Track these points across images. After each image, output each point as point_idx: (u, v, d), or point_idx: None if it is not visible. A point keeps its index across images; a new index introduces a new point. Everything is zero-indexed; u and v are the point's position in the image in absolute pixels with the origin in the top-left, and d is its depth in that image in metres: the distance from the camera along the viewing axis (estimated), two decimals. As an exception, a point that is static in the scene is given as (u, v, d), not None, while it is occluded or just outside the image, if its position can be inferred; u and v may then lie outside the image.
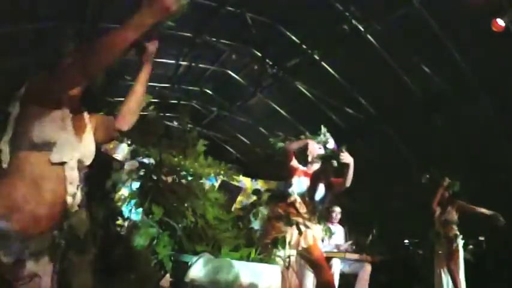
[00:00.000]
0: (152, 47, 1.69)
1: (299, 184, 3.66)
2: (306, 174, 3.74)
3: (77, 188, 1.57)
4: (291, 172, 3.74)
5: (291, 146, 3.83)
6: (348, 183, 3.58)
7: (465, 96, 5.72)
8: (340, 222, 6.24)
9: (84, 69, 1.41)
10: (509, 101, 5.33)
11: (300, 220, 3.38)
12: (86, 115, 1.71)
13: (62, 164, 1.52)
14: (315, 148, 3.75)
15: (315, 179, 3.69)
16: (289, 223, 3.21)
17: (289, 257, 3.13)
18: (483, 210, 5.26)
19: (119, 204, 2.81)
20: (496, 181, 5.84)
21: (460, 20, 4.87)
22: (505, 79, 5.11)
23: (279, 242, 3.01)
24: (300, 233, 3.27)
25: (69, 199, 1.54)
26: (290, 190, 3.58)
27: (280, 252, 3.06)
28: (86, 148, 1.63)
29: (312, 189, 3.63)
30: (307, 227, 3.42)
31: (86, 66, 1.41)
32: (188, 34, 6.50)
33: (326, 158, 3.62)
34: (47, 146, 1.49)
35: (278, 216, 3.28)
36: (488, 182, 5.88)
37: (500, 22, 4.39)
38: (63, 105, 1.57)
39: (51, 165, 1.49)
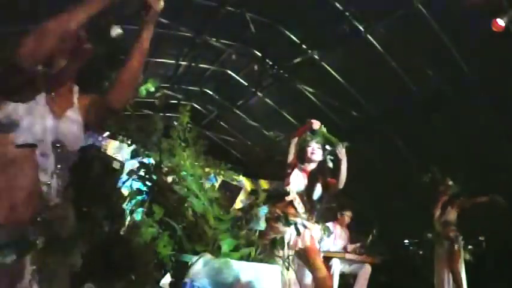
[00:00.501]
0: (157, 5, 1.46)
1: (297, 181, 3.64)
2: (303, 171, 3.75)
3: (52, 176, 1.38)
4: (291, 166, 3.73)
5: (294, 134, 3.84)
6: (341, 184, 3.59)
7: (465, 96, 5.72)
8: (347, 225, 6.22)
9: (20, 59, 1.25)
10: (509, 101, 5.33)
11: (299, 220, 3.38)
12: (75, 93, 1.53)
13: (32, 147, 1.34)
14: (318, 124, 3.76)
15: (312, 177, 3.68)
16: (288, 224, 3.20)
17: (288, 257, 3.12)
18: (481, 198, 5.28)
19: (119, 204, 2.82)
20: (496, 181, 5.84)
21: (460, 20, 4.87)
22: (505, 79, 5.11)
23: (278, 242, 3.01)
24: (298, 233, 3.26)
25: (44, 188, 1.36)
26: (288, 188, 3.56)
27: (280, 253, 3.05)
28: (67, 129, 1.43)
29: (310, 187, 3.62)
30: (305, 227, 3.41)
31: (21, 56, 1.24)
32: (188, 34, 6.50)
33: (324, 138, 3.63)
34: (14, 126, 1.31)
35: (276, 216, 3.27)
36: (488, 182, 5.87)
37: (500, 22, 4.39)
38: (35, 82, 1.38)
39: (19, 149, 1.31)
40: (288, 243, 3.24)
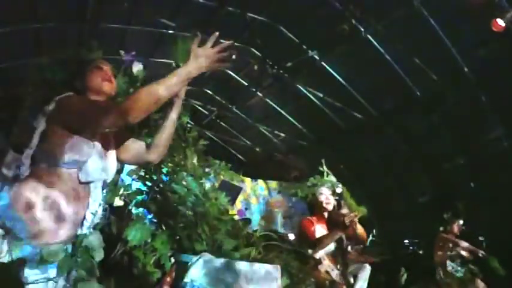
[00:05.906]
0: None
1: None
2: (320, 223, 3.40)
3: (99, 206, 1.63)
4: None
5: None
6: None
7: (465, 96, 5.72)
8: None
9: (125, 116, 1.49)
10: (509, 100, 5.33)
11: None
12: (112, 139, 1.76)
13: (90, 182, 1.59)
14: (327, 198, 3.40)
15: (333, 231, 3.23)
16: None
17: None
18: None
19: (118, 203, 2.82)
20: (496, 181, 5.84)
21: (460, 20, 4.87)
22: (505, 79, 5.11)
23: None
24: None
25: (88, 216, 1.59)
26: (318, 254, 3.14)
27: None
28: (110, 166, 1.70)
29: (340, 245, 3.25)
30: None
31: (127, 114, 1.48)
32: (188, 34, 6.49)
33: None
34: (75, 164, 1.54)
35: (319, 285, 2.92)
36: (489, 182, 5.87)
37: (500, 22, 4.38)
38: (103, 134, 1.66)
39: (78, 183, 1.56)
40: None
